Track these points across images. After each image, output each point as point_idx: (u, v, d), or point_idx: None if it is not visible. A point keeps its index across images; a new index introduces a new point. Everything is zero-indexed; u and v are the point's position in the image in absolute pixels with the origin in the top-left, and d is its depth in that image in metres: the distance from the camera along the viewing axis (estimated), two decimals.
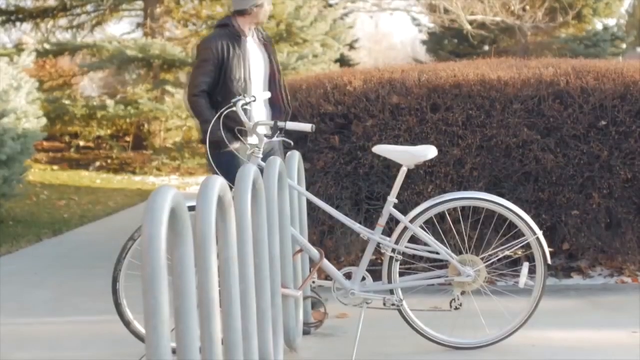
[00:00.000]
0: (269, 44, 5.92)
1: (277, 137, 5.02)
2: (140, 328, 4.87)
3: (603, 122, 6.32)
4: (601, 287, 6.59)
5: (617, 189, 6.40)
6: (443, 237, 5.62)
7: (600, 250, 6.64)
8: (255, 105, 5.54)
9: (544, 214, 6.46)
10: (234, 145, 5.37)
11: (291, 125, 5.02)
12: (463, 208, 6.08)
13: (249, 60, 5.70)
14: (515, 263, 6.40)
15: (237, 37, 5.69)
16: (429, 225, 5.52)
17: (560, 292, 6.44)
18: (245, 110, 5.13)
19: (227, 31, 5.71)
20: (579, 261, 7.03)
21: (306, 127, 4.99)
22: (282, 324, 4.50)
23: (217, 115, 5.43)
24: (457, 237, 5.84)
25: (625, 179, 6.39)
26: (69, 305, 6.21)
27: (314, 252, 5.04)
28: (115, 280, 4.86)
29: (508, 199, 6.10)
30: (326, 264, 5.02)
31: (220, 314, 3.23)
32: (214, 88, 5.64)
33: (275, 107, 5.83)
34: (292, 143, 5.22)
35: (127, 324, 4.91)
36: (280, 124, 4.99)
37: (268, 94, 5.59)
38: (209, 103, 5.63)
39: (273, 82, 5.85)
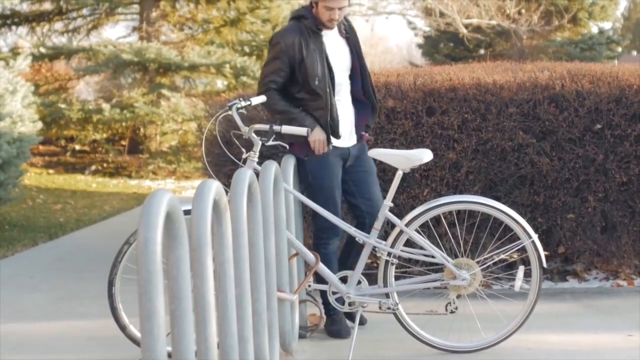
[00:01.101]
0: (352, 36, 5.47)
1: (272, 141, 5.00)
2: (135, 332, 4.87)
3: (598, 126, 6.33)
4: (597, 291, 6.60)
5: (613, 193, 6.41)
6: (439, 240, 5.63)
7: (595, 253, 6.65)
8: (341, 105, 5.31)
9: (539, 218, 6.47)
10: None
11: (287, 129, 4.98)
12: (459, 212, 6.09)
13: (328, 55, 5.29)
14: (511, 267, 6.42)
15: (313, 31, 5.24)
16: (424, 229, 5.53)
17: (556, 295, 6.45)
18: (240, 115, 5.09)
19: (302, 24, 5.26)
20: (575, 264, 7.04)
21: (302, 130, 4.96)
22: (278, 327, 4.51)
23: (213, 119, 5.43)
24: (452, 240, 5.85)
25: (621, 183, 6.41)
26: (65, 309, 6.21)
27: (310, 256, 5.05)
28: (111, 284, 4.86)
29: (504, 203, 6.12)
30: (322, 268, 5.03)
31: (216, 318, 3.23)
32: (294, 87, 5.30)
33: (360, 103, 5.46)
34: (287, 147, 5.21)
35: (122, 328, 4.91)
36: (276, 127, 4.95)
37: (262, 99, 5.43)
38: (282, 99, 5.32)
39: (356, 76, 5.45)
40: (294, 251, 5.06)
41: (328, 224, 5.17)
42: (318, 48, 5.23)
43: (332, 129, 5.22)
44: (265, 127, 4.99)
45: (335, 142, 5.26)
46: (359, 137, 5.44)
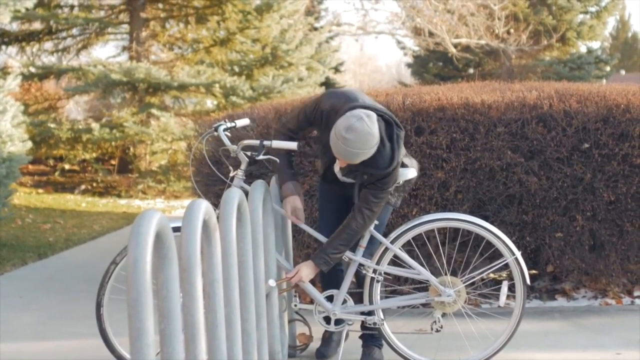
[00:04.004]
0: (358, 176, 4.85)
1: (262, 155, 4.98)
2: (125, 353, 4.86)
3: (586, 145, 6.36)
4: (585, 309, 6.62)
5: (601, 212, 6.44)
6: (422, 260, 5.64)
7: (584, 272, 6.67)
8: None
9: (528, 237, 6.49)
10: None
11: (277, 143, 4.93)
12: (447, 230, 6.11)
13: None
14: (497, 284, 6.44)
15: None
16: (413, 247, 5.55)
17: (544, 314, 6.47)
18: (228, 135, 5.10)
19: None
20: (563, 283, 7.06)
21: (292, 145, 4.93)
22: (267, 346, 4.51)
23: (199, 139, 5.44)
24: (436, 259, 5.85)
25: (609, 202, 6.43)
26: (54, 329, 6.20)
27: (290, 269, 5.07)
28: (99, 305, 4.82)
29: (492, 222, 6.14)
30: (308, 286, 5.02)
31: (205, 337, 3.24)
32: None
33: None
34: (278, 160, 5.18)
35: (112, 350, 4.89)
36: (267, 142, 4.93)
37: (246, 122, 5.35)
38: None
39: None
40: (284, 274, 5.08)
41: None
42: (326, 147, 4.85)
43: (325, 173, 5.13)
44: (255, 142, 4.98)
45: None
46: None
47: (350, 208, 5.10)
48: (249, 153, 5.02)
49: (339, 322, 5.11)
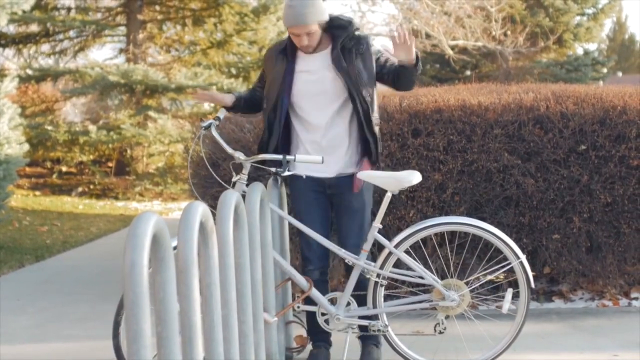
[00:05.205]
0: (351, 61, 4.93)
1: (287, 172, 4.88)
2: None
3: (583, 147, 6.36)
4: (582, 311, 6.62)
5: (598, 213, 6.44)
6: (429, 261, 5.64)
7: (581, 274, 6.67)
8: (323, 134, 5.04)
9: (525, 238, 6.49)
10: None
11: (301, 158, 4.79)
12: (444, 233, 6.11)
13: (292, 81, 5.02)
14: (498, 288, 6.44)
15: (286, 52, 5.04)
16: (412, 249, 5.54)
17: (542, 315, 6.46)
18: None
19: (284, 44, 5.08)
20: (561, 285, 7.06)
21: (317, 159, 4.78)
22: (264, 349, 4.50)
23: (195, 140, 5.42)
24: (443, 262, 5.85)
25: (606, 203, 6.43)
26: (51, 332, 6.20)
27: (303, 281, 5.03)
28: (117, 324, 4.71)
29: (489, 224, 6.13)
30: (313, 291, 5.00)
31: (203, 340, 3.23)
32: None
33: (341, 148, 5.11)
34: (304, 176, 5.08)
35: None
36: (290, 157, 4.80)
37: (223, 111, 5.26)
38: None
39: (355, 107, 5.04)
40: (285, 276, 5.06)
41: (308, 253, 5.16)
42: (281, 70, 5.03)
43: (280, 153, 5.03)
44: (275, 157, 4.85)
45: (307, 171, 5.06)
46: (351, 174, 5.08)
47: (325, 201, 5.09)
48: (273, 169, 4.94)
49: None
